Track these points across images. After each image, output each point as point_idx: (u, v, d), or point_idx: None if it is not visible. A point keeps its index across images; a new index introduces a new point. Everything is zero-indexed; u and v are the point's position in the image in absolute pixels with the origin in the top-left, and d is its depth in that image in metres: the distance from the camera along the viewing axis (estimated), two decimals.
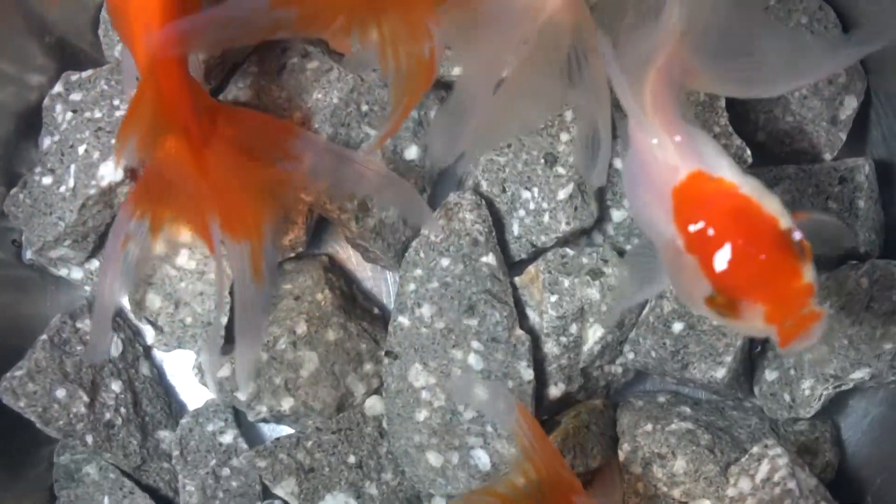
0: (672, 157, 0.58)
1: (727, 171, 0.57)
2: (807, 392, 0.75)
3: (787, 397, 0.76)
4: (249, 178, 0.67)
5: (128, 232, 0.67)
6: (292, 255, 0.79)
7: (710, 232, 0.55)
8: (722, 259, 0.54)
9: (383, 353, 0.77)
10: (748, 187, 0.56)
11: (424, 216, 0.73)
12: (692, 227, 0.56)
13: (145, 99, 0.62)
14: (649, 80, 0.60)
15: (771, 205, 0.55)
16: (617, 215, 0.78)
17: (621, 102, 0.60)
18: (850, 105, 0.79)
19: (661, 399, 0.80)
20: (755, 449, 0.73)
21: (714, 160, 0.58)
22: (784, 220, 0.55)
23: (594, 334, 0.76)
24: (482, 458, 0.74)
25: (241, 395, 0.76)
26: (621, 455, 0.77)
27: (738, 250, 0.54)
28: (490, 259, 0.76)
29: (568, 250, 0.78)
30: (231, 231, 0.66)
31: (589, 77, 0.63)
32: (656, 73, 0.60)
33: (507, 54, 0.63)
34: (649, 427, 0.76)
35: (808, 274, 0.53)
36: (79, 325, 0.79)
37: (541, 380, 0.76)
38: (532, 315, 0.77)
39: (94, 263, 0.79)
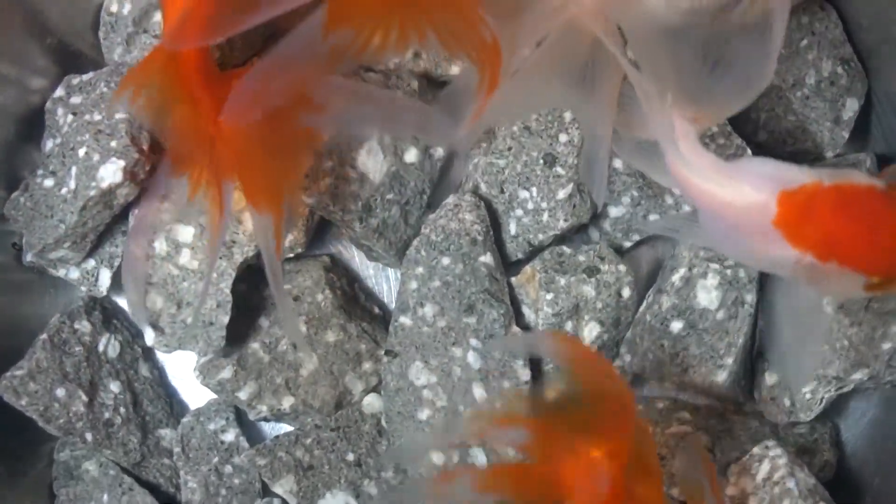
0: (749, 196, 0.59)
1: (797, 174, 0.58)
2: (808, 395, 0.75)
3: (786, 402, 0.76)
4: (271, 142, 0.67)
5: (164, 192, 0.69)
6: (291, 255, 0.79)
7: (833, 234, 0.56)
8: (862, 250, 0.56)
9: (382, 352, 0.77)
10: (826, 177, 0.57)
11: (451, 133, 0.70)
12: (814, 240, 0.57)
13: (158, 62, 0.63)
14: (682, 151, 0.61)
15: (856, 177, 0.56)
16: (614, 212, 0.78)
17: (674, 174, 0.61)
18: (852, 106, 0.79)
19: (660, 405, 0.79)
20: (756, 449, 0.72)
21: (777, 172, 0.59)
22: (876, 182, 0.56)
23: (590, 333, 0.76)
24: (479, 458, 0.74)
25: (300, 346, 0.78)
26: None
27: (869, 234, 0.55)
28: (488, 259, 0.76)
29: (565, 248, 0.78)
30: (256, 203, 0.66)
31: (598, 94, 0.63)
32: (682, 140, 0.61)
33: (522, 45, 0.63)
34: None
35: None
36: (77, 325, 0.79)
37: (538, 380, 0.76)
38: (528, 313, 0.77)
39: (91, 263, 0.79)
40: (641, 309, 0.77)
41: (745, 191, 0.59)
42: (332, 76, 0.68)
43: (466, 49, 0.60)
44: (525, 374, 0.74)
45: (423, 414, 0.75)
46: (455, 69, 0.78)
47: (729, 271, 0.75)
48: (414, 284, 0.76)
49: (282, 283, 0.69)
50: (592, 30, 0.62)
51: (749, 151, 0.76)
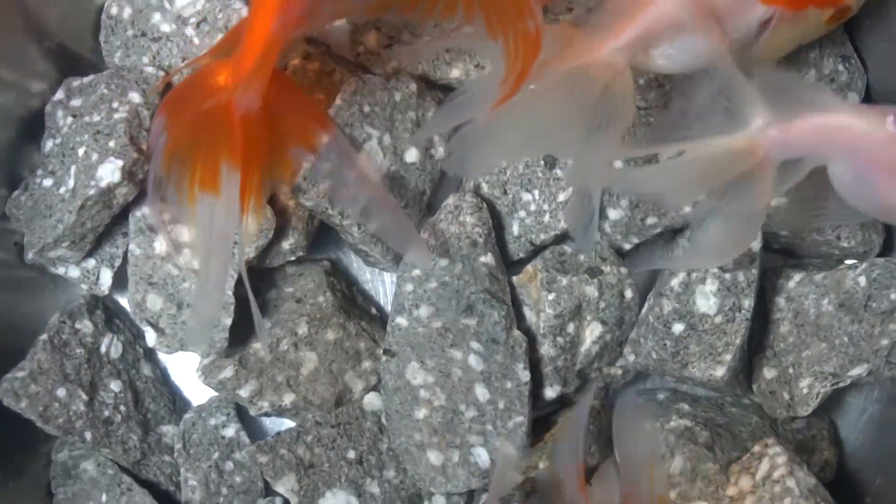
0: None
1: None
2: (805, 390, 0.75)
3: (785, 395, 0.76)
4: (271, 146, 0.68)
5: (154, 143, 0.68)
6: (292, 258, 0.79)
7: None
8: None
9: (381, 350, 0.77)
10: None
11: (412, 244, 0.74)
12: None
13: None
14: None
15: None
16: (614, 214, 0.78)
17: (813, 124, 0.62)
18: (853, 101, 0.78)
19: (661, 396, 0.80)
20: (756, 448, 0.73)
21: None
22: None
23: (592, 333, 0.77)
24: (482, 456, 0.74)
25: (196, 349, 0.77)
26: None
27: None
28: (489, 259, 0.76)
29: (566, 248, 0.78)
30: (245, 188, 0.66)
31: (600, 147, 0.63)
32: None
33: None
34: (648, 427, 0.76)
35: None
36: (78, 325, 0.79)
37: (536, 381, 0.76)
38: (529, 314, 0.77)
39: (91, 262, 0.80)
40: (644, 311, 0.77)
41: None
42: (342, 137, 0.70)
43: (508, 33, 0.60)
44: (525, 375, 0.74)
45: (420, 413, 0.75)
46: (455, 72, 0.78)
47: (728, 276, 0.75)
48: (410, 287, 0.76)
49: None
50: (606, 83, 0.62)
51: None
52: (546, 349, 0.76)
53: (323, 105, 0.76)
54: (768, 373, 0.78)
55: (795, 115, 0.62)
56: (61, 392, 0.77)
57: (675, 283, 0.76)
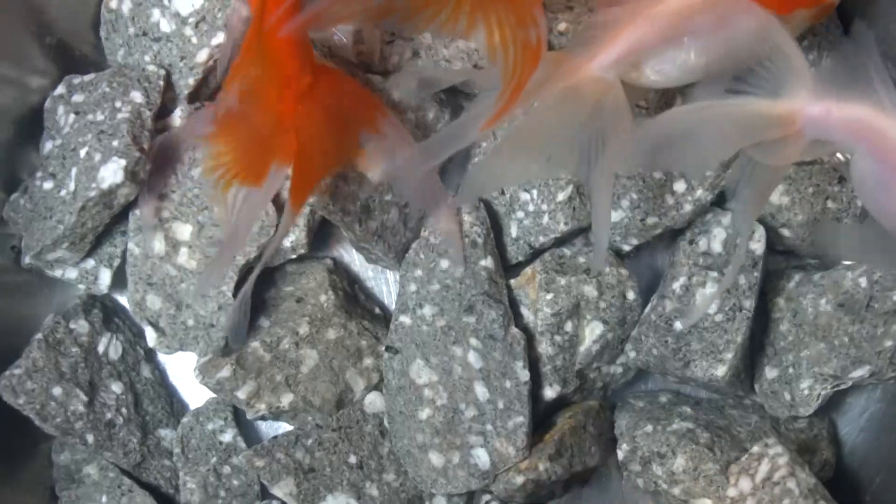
0: None
1: None
2: (806, 391, 0.75)
3: (787, 396, 0.76)
4: (329, 143, 0.68)
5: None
6: (293, 256, 0.79)
7: None
8: None
9: (383, 348, 0.77)
10: None
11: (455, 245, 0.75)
12: None
13: (256, 42, 0.63)
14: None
15: None
16: (613, 216, 0.78)
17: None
18: None
19: (663, 399, 0.80)
20: (755, 448, 0.73)
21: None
22: None
23: (592, 332, 0.76)
24: (482, 457, 0.74)
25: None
26: (620, 455, 0.77)
27: None
28: (488, 262, 0.76)
29: (565, 250, 0.78)
30: (296, 192, 0.67)
31: (600, 163, 0.63)
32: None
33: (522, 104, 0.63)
34: (649, 428, 0.76)
35: None
36: (72, 325, 0.79)
37: (535, 381, 0.76)
38: (526, 314, 0.77)
39: (90, 263, 0.79)
40: (646, 310, 0.78)
41: None
42: (395, 119, 0.71)
43: (507, 44, 0.60)
44: (524, 374, 0.74)
45: (424, 413, 0.75)
46: (456, 66, 0.78)
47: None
48: (413, 287, 0.76)
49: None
50: (597, 100, 0.62)
51: None
52: (544, 348, 0.76)
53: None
54: (770, 373, 0.78)
55: (843, 96, 0.61)
56: (57, 391, 0.77)
57: (676, 286, 0.76)
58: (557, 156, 0.65)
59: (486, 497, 0.77)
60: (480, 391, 0.74)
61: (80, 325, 0.79)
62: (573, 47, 0.65)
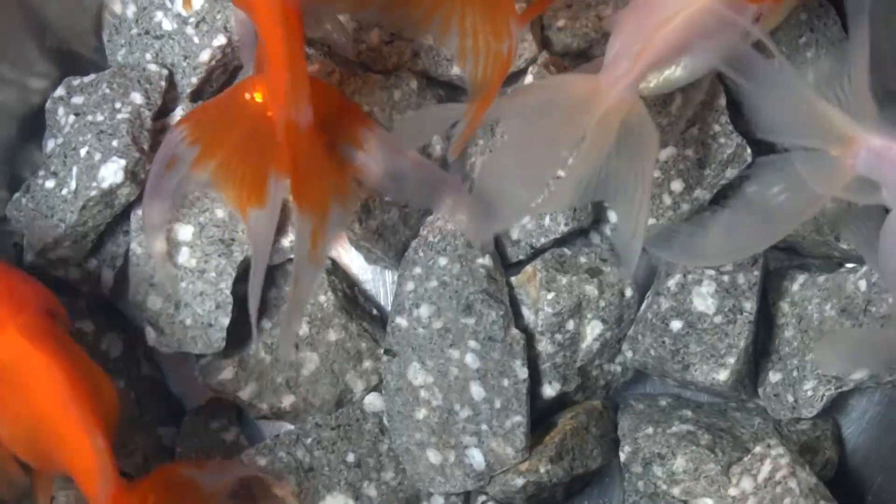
0: None
1: None
2: (809, 393, 0.75)
3: (790, 398, 0.76)
4: (325, 154, 0.67)
5: (175, 154, 0.66)
6: (292, 257, 0.79)
7: None
8: None
9: (382, 351, 0.77)
10: None
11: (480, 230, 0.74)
12: None
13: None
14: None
15: None
16: (613, 216, 0.78)
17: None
18: None
19: (663, 403, 0.79)
20: (758, 449, 0.72)
21: None
22: None
23: (592, 331, 0.76)
24: (476, 458, 0.74)
25: (284, 354, 0.77)
26: (622, 456, 0.77)
27: None
28: (486, 260, 0.76)
29: (565, 250, 0.78)
30: (300, 201, 0.65)
31: (634, 180, 0.63)
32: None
33: (562, 149, 0.63)
34: (650, 430, 0.76)
35: None
36: (79, 325, 0.79)
37: (534, 378, 0.76)
38: (527, 313, 0.77)
39: (93, 263, 0.80)
40: (642, 308, 0.77)
41: None
42: (385, 132, 0.70)
43: (479, 51, 0.61)
44: (523, 372, 0.74)
45: (420, 413, 0.75)
46: (455, 69, 0.78)
47: (726, 277, 0.75)
48: (411, 286, 0.76)
49: (307, 290, 0.68)
50: (621, 117, 0.62)
51: (749, 150, 0.76)
52: (544, 346, 0.76)
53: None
54: (773, 376, 0.77)
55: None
56: None
57: (671, 283, 0.76)
58: (596, 182, 0.64)
59: (482, 498, 0.77)
60: (476, 391, 0.74)
61: (86, 325, 0.80)
62: (583, 68, 0.66)
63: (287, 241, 0.78)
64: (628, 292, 0.77)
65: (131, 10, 0.80)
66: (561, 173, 0.68)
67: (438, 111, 0.74)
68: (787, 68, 0.62)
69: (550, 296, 0.76)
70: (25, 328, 0.64)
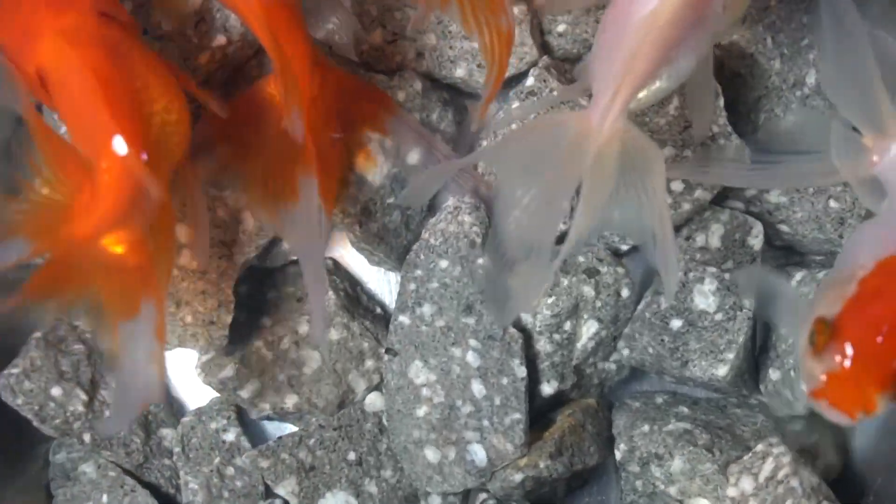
0: None
1: None
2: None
3: (788, 395, 0.76)
4: (334, 141, 0.69)
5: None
6: (294, 258, 0.80)
7: None
8: None
9: (384, 350, 0.77)
10: None
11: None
12: None
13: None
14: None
15: None
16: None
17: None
18: None
19: (659, 400, 0.79)
20: (759, 447, 0.72)
21: None
22: None
23: (588, 330, 0.76)
24: (478, 454, 0.74)
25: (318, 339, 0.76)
26: (618, 455, 0.77)
27: None
28: (486, 261, 0.76)
29: None
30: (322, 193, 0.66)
31: (650, 202, 0.61)
32: None
33: (563, 201, 0.63)
34: (646, 428, 0.76)
35: None
36: (76, 321, 0.79)
37: (533, 377, 0.76)
38: (525, 315, 0.77)
39: None
40: (640, 307, 0.77)
41: None
42: (408, 115, 0.72)
43: (482, 29, 0.62)
44: (521, 371, 0.75)
45: (421, 411, 0.75)
46: (459, 71, 0.79)
47: (727, 276, 0.75)
48: (412, 286, 0.76)
49: (320, 277, 0.70)
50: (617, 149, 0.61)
51: (748, 152, 0.76)
52: (542, 345, 0.76)
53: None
54: (773, 374, 0.78)
55: None
56: (56, 391, 0.77)
57: None
58: (611, 217, 0.63)
59: (483, 496, 0.77)
60: (477, 388, 0.74)
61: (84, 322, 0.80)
62: (575, 114, 0.65)
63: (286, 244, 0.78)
64: (625, 292, 0.77)
65: (128, 7, 0.79)
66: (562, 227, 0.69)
67: (442, 168, 0.75)
68: (883, 40, 0.62)
69: (550, 299, 0.76)
70: (68, 32, 0.59)
